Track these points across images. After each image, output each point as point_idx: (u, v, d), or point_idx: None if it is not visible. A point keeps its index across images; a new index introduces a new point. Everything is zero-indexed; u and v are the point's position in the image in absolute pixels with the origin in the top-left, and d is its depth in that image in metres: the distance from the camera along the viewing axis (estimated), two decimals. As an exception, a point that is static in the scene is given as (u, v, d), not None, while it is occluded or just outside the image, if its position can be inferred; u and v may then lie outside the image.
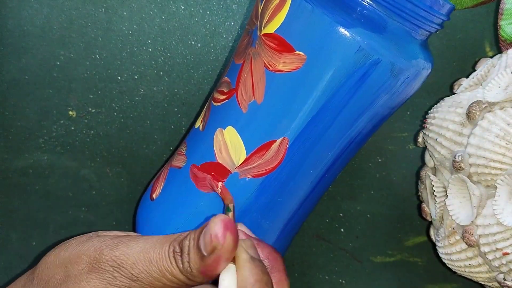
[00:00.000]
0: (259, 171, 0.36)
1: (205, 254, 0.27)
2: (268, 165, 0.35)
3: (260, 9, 0.35)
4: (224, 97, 0.37)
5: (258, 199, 0.36)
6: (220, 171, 0.36)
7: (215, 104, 0.38)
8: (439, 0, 0.34)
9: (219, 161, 0.36)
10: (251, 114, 0.35)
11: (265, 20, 0.35)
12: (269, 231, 0.38)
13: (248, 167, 0.36)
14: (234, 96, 0.36)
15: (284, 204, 0.37)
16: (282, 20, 0.34)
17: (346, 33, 0.32)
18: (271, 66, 0.34)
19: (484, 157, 0.35)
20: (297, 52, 0.33)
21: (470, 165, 0.36)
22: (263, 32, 0.35)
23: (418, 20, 0.33)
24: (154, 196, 0.40)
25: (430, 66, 0.35)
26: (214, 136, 0.37)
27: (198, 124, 0.39)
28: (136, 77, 0.46)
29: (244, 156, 0.35)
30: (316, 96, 0.34)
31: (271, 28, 0.34)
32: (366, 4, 0.32)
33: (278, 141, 0.35)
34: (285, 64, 0.34)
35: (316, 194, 0.38)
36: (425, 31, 0.34)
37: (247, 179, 0.36)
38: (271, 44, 0.34)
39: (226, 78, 0.38)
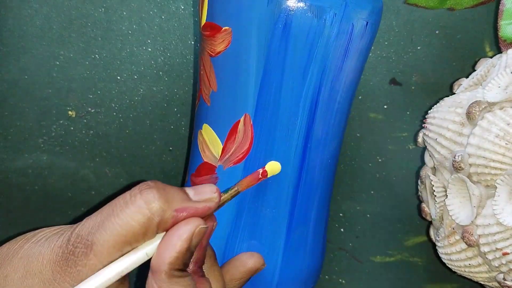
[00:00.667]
0: (237, 157, 0.36)
1: (193, 198, 0.28)
2: (242, 148, 0.36)
3: (198, 11, 0.37)
4: (197, 101, 0.39)
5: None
6: (207, 169, 0.37)
7: (195, 112, 0.39)
8: None
9: (205, 160, 0.37)
10: (213, 104, 0.36)
11: (200, 17, 0.36)
12: (276, 222, 0.37)
13: (226, 156, 0.36)
14: (200, 95, 0.37)
15: (276, 187, 0.36)
16: (207, 8, 0.35)
17: None
18: (213, 52, 0.35)
19: (484, 157, 0.35)
20: (223, 28, 0.34)
21: (470, 165, 0.36)
22: (201, 26, 0.36)
23: None
24: None
25: (368, 5, 0.34)
26: (197, 139, 0.38)
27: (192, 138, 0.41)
28: (135, 77, 0.46)
29: (220, 146, 0.36)
30: (254, 61, 0.34)
31: (203, 19, 0.36)
32: None
33: (241, 119, 0.35)
34: (220, 44, 0.35)
35: (312, 172, 0.37)
36: None
37: (230, 168, 0.36)
38: (206, 33, 0.35)
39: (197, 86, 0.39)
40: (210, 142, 0.37)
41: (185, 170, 0.47)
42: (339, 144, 0.38)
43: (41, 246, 0.28)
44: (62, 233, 0.29)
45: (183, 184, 0.46)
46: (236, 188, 0.33)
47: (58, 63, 0.45)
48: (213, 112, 0.36)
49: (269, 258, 0.37)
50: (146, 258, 0.28)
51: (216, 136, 0.36)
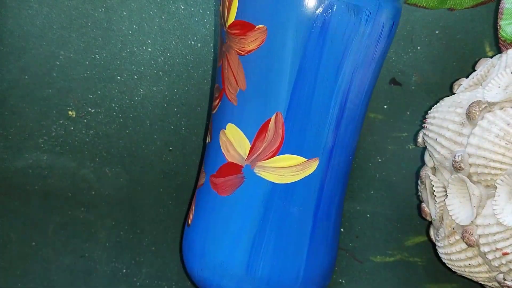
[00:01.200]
0: (266, 155, 0.36)
1: None
2: (272, 146, 0.35)
3: (220, 9, 0.37)
4: (217, 101, 0.38)
5: (276, 185, 0.36)
6: (233, 169, 0.36)
7: (213, 112, 0.39)
8: None
9: (229, 160, 0.37)
10: (241, 103, 0.36)
11: (225, 15, 0.36)
12: (302, 219, 0.37)
13: (255, 155, 0.36)
14: (224, 95, 0.37)
15: (304, 185, 0.36)
16: (237, 6, 0.35)
17: None
18: (242, 51, 0.35)
19: (484, 157, 0.35)
20: (257, 26, 0.34)
21: (470, 165, 0.36)
22: (227, 25, 0.36)
23: None
24: (189, 221, 0.40)
25: (395, 5, 0.35)
26: (219, 140, 0.37)
27: (207, 139, 0.40)
28: (135, 77, 0.46)
29: (248, 146, 0.36)
30: (289, 60, 0.34)
31: (231, 18, 0.35)
32: None
33: (273, 118, 0.35)
34: (252, 42, 0.34)
35: (336, 168, 0.37)
36: None
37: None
38: (235, 31, 0.35)
39: (216, 85, 0.39)
40: (236, 141, 0.36)
41: (184, 170, 0.47)
42: (357, 140, 0.39)
43: None
44: None
45: (184, 185, 0.46)
46: None
47: (58, 63, 0.45)
48: (241, 111, 0.36)
49: (295, 257, 0.37)
50: None
51: (244, 135, 0.36)
